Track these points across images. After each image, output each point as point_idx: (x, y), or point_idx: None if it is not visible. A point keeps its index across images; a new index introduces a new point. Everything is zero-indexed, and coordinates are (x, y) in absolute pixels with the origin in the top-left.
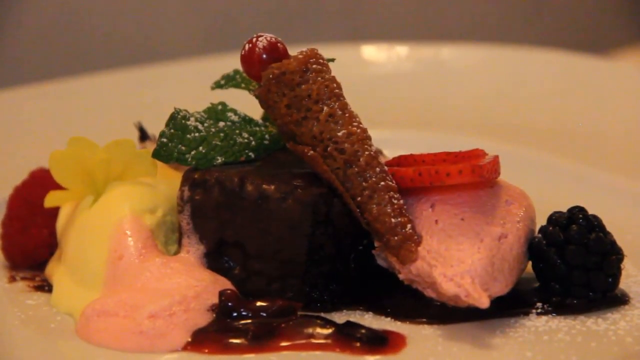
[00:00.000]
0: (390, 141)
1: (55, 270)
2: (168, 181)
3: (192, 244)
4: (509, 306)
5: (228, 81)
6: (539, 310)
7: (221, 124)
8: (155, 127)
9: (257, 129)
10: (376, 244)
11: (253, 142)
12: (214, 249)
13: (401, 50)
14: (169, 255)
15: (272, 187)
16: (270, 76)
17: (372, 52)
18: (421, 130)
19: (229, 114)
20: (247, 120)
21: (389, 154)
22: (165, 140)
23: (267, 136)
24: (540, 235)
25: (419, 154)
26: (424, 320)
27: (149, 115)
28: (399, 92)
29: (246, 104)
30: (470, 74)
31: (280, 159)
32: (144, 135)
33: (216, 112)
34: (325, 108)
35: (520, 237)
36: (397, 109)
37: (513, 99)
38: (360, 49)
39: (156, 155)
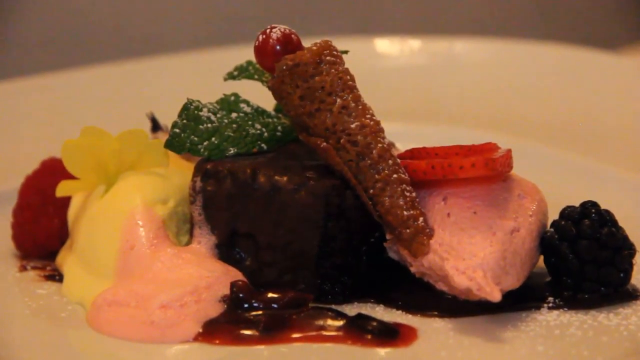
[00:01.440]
0: (403, 134)
1: (66, 260)
2: (180, 172)
3: (204, 234)
4: (521, 300)
5: (241, 72)
6: (550, 305)
7: (234, 115)
8: (168, 118)
9: (270, 120)
10: (388, 237)
11: (265, 134)
12: (226, 240)
13: (414, 43)
14: (180, 245)
15: (285, 178)
16: (284, 67)
17: (385, 45)
18: (434, 124)
19: (242, 105)
20: (259, 112)
21: (402, 147)
22: (177, 130)
23: (279, 128)
24: (552, 229)
25: (432, 147)
26: (435, 313)
27: (161, 106)
28: (412, 85)
29: (259, 95)
30: (482, 67)
31: (292, 150)
32: (156, 126)
33: (229, 103)
34: (338, 100)
35: (532, 231)
36: (410, 102)
37: (525, 93)
38: (373, 42)
39: (169, 145)
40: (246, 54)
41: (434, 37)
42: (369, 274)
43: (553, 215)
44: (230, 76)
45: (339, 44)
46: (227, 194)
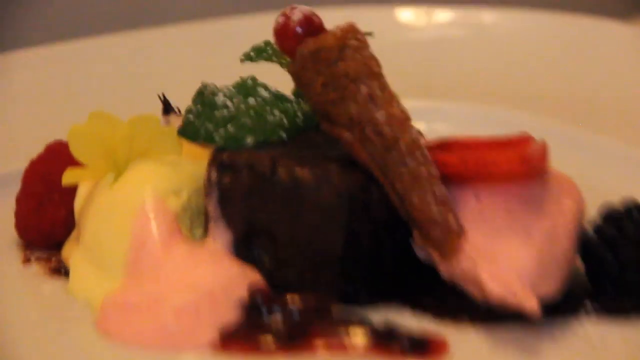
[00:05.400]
0: (427, 112)
1: (73, 253)
2: (194, 159)
3: (219, 230)
4: (557, 308)
5: (258, 53)
6: (589, 314)
7: (251, 100)
8: (180, 95)
9: (289, 105)
10: (416, 235)
11: (285, 121)
12: (243, 237)
13: (440, 14)
14: (194, 239)
15: (306, 171)
16: (305, 52)
17: (408, 15)
18: (461, 101)
19: (260, 89)
20: (278, 97)
21: (426, 126)
22: (191, 117)
23: (299, 114)
24: (591, 231)
25: (463, 138)
26: (466, 320)
27: (172, 82)
28: (437, 60)
29: (273, 75)
30: (514, 40)
31: (313, 139)
32: (167, 108)
33: (246, 88)
34: (363, 88)
35: (570, 232)
36: (434, 78)
37: (561, 70)
38: (394, 12)
39: (182, 133)
40: (262, 23)
41: (461, 6)
42: (396, 275)
43: (591, 212)
44: (247, 57)
45: (359, 15)
46: (245, 187)
